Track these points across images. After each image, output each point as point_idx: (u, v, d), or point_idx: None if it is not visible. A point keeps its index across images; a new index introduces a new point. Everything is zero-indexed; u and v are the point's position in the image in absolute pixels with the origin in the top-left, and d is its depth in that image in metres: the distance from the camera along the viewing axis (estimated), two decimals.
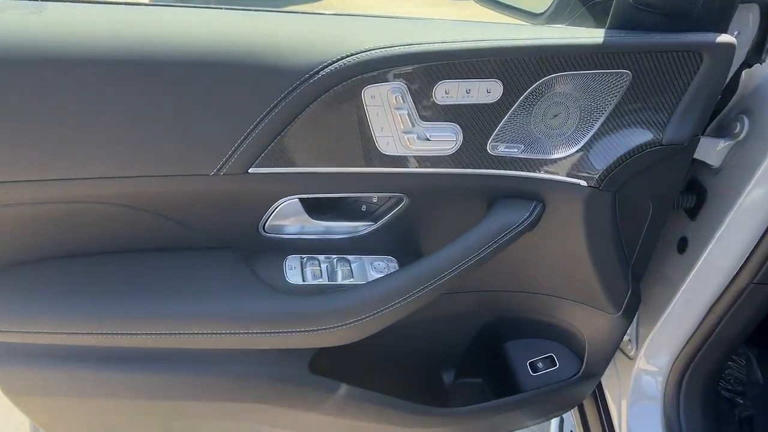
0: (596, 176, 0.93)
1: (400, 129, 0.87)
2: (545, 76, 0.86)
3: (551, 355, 1.29)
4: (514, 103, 0.88)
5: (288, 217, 0.95)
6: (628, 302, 1.10)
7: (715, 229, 1.02)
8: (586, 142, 0.92)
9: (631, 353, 1.32)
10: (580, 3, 1.07)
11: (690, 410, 1.31)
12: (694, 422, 1.30)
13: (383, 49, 0.81)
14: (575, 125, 0.91)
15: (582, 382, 1.24)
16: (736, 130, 0.99)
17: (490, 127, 0.89)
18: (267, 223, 0.96)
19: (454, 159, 0.91)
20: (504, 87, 0.86)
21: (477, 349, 1.30)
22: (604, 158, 0.92)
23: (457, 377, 1.33)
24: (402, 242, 1.04)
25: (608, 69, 0.86)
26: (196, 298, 0.90)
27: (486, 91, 0.86)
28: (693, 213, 1.08)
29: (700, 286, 1.08)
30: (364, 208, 1.02)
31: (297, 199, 0.93)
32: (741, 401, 1.48)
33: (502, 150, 0.92)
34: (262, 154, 0.85)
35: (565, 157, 0.93)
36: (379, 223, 1.00)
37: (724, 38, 0.84)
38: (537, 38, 0.84)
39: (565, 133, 0.91)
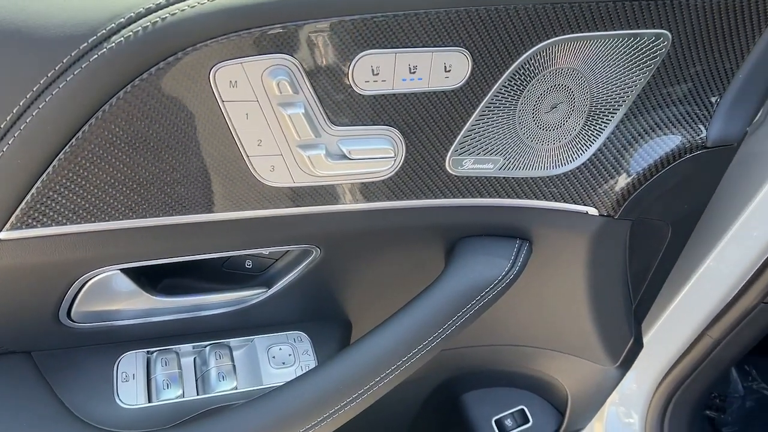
0: (613, 200, 0.57)
1: (293, 141, 0.47)
2: (540, 42, 0.47)
3: (522, 408, 0.96)
4: (491, 88, 0.49)
5: (109, 297, 0.53)
6: (629, 352, 0.79)
7: (717, 237, 0.77)
8: (600, 147, 0.55)
9: None
10: None
11: None
12: None
13: None
14: (583, 122, 0.54)
15: None
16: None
17: (450, 130, 0.51)
18: (73, 309, 0.52)
19: (393, 186, 0.52)
20: (473, 61, 0.47)
21: (429, 408, 0.95)
22: (625, 171, 0.56)
23: None
24: (314, 308, 0.64)
25: (641, 28, 0.49)
26: None
27: (443, 68, 0.47)
28: None
29: (694, 304, 0.85)
30: (249, 264, 0.61)
31: (118, 271, 0.50)
32: (722, 417, 1.26)
33: (469, 167, 0.53)
34: (20, 206, 0.42)
35: (566, 173, 0.56)
36: (276, 287, 0.60)
37: None
38: None
39: (567, 134, 0.54)
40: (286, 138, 0.46)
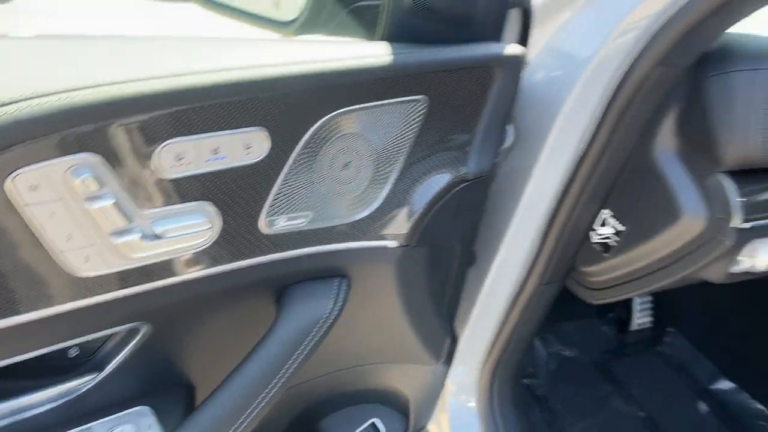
0: (406, 232, 0.68)
1: (106, 231, 0.48)
2: (326, 115, 0.56)
3: (373, 422, 1.05)
4: (289, 157, 0.56)
5: None
6: (448, 349, 0.92)
7: (498, 237, 0.92)
8: (389, 193, 0.66)
9: None
10: (339, 6, 0.80)
11: (504, 414, 1.25)
12: (510, 423, 1.25)
13: (31, 101, 0.41)
14: (372, 174, 0.64)
15: None
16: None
17: (260, 196, 0.57)
18: None
19: (213, 253, 0.56)
20: (271, 137, 0.54)
21: None
22: (411, 209, 0.68)
23: None
24: (154, 380, 0.64)
25: (403, 96, 0.61)
26: None
27: (244, 146, 0.52)
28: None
29: (494, 297, 0.99)
30: (75, 352, 0.59)
31: None
32: (535, 381, 1.50)
33: (282, 225, 0.60)
34: None
35: (366, 217, 0.66)
36: (109, 369, 0.59)
37: (513, 49, 0.66)
38: (311, 61, 0.54)
39: (360, 186, 0.64)
40: (98, 229, 0.47)
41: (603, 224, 0.91)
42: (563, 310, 1.63)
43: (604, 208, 0.88)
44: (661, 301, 1.63)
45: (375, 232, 0.67)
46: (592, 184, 0.82)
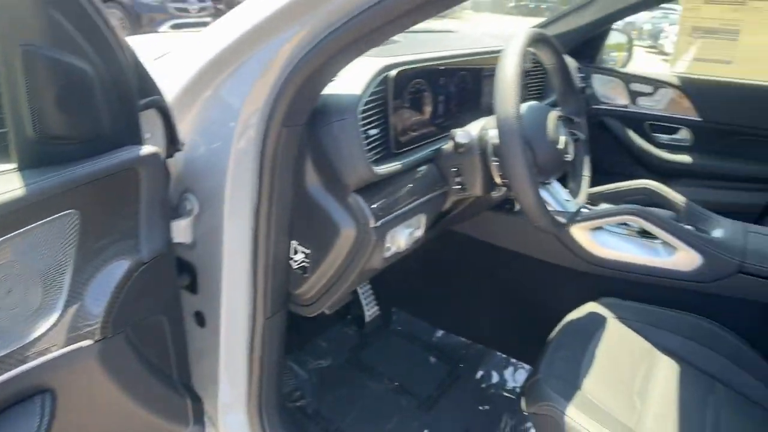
0: (98, 328, 0.74)
1: None
2: None
3: None
4: None
5: None
6: (193, 410, 0.99)
7: (216, 293, 1.02)
8: (67, 300, 0.71)
9: None
10: None
11: None
12: None
13: None
14: (42, 290, 0.68)
15: None
16: (189, 208, 1.00)
17: None
18: None
19: None
20: None
21: None
22: (95, 307, 0.74)
23: None
24: None
25: (51, 216, 0.67)
26: None
27: None
28: (193, 288, 1.07)
29: (232, 344, 1.07)
30: None
31: None
32: (306, 401, 1.65)
33: None
34: None
35: (50, 330, 0.69)
36: None
37: (147, 149, 0.78)
38: None
39: (34, 303, 0.68)
40: None
41: (295, 252, 1.10)
42: (308, 330, 1.83)
43: (292, 239, 1.07)
44: (378, 290, 1.97)
45: (65, 338, 0.71)
46: (274, 225, 0.99)
